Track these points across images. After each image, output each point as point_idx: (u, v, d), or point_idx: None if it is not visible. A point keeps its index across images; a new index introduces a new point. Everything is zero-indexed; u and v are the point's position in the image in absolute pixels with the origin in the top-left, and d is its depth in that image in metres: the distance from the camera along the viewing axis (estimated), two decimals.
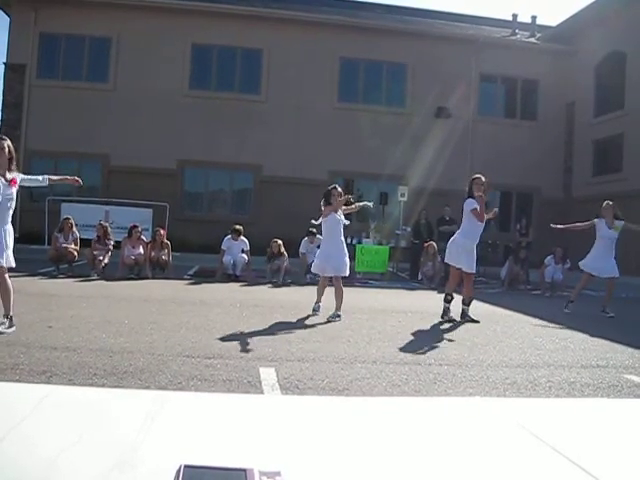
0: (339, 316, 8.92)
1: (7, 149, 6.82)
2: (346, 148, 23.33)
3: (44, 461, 1.17)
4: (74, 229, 14.29)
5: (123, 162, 22.64)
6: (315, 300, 9.47)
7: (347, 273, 9.47)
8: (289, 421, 1.53)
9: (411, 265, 17.98)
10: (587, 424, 1.67)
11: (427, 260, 15.91)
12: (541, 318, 10.00)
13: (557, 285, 15.08)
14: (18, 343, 6.07)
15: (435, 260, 15.75)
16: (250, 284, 13.91)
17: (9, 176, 6.79)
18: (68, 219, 14.44)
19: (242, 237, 14.91)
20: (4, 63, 23.54)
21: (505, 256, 18.33)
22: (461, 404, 1.92)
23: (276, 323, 8.37)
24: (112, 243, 14.30)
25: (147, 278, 13.81)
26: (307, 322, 8.54)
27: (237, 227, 15.00)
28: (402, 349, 6.85)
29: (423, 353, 6.70)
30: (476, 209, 9.38)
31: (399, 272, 18.72)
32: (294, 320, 8.70)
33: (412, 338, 7.67)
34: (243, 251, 14.80)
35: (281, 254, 14.81)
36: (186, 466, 1.06)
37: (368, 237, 19.28)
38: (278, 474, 1.07)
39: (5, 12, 23.52)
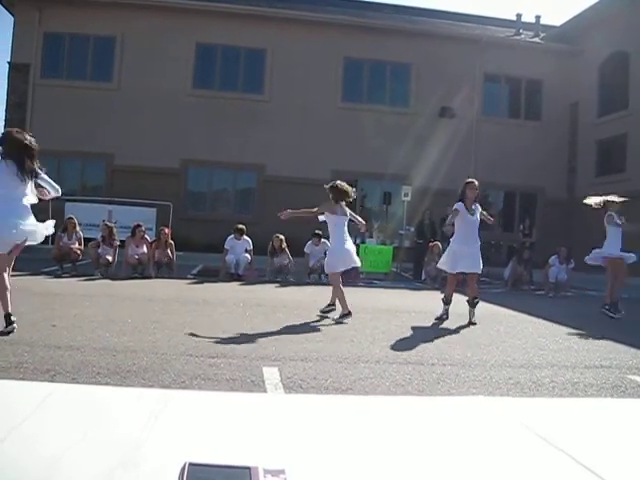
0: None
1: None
2: (350, 148, 23.33)
3: (48, 459, 1.17)
4: (77, 229, 14.31)
5: (127, 161, 22.67)
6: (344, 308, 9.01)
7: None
8: (293, 420, 1.53)
9: (415, 265, 17.97)
10: (591, 424, 1.67)
11: (431, 260, 15.89)
12: (544, 318, 9.99)
13: (561, 285, 15.05)
14: (22, 342, 6.08)
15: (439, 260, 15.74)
16: (253, 283, 13.92)
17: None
18: (71, 219, 14.45)
19: (245, 236, 14.93)
20: (8, 62, 23.58)
21: (508, 256, 18.32)
22: (464, 403, 1.92)
23: (279, 323, 8.37)
24: (117, 243, 14.31)
25: (150, 277, 13.82)
26: (310, 322, 8.54)
27: (240, 226, 15.01)
28: (405, 349, 6.85)
29: (426, 353, 6.70)
30: (456, 209, 9.36)
31: (403, 272, 18.72)
32: (297, 320, 8.70)
33: (415, 338, 7.67)
34: (246, 250, 14.81)
35: (282, 250, 14.82)
36: (191, 464, 1.06)
37: (372, 237, 19.28)
38: (282, 472, 1.07)
39: (9, 11, 23.55)
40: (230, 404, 1.70)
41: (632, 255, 10.95)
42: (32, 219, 6.61)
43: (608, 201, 11.06)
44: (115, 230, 14.56)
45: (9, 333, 6.41)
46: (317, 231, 14.36)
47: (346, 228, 9.35)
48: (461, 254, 9.39)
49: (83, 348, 5.98)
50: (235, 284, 13.70)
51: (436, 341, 7.55)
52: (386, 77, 25.16)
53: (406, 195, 19.96)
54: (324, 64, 23.97)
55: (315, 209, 9.29)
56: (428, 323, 9.12)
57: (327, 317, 8.83)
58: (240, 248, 14.78)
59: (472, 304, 9.36)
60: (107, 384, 4.64)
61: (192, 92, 23.75)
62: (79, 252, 14.02)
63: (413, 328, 8.50)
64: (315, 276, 15.15)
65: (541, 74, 25.38)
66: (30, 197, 6.65)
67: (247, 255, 14.77)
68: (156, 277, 13.93)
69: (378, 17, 25.14)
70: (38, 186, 6.76)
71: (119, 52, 23.59)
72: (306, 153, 23.27)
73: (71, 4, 22.62)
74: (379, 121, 23.67)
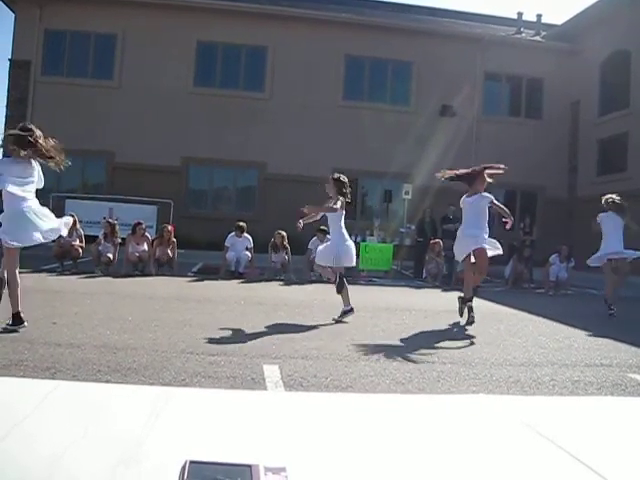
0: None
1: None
2: (351, 146, 23.33)
3: (49, 456, 1.17)
4: (78, 226, 14.30)
5: (127, 159, 22.67)
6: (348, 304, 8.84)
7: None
8: (293, 417, 1.53)
9: (415, 263, 17.97)
10: (591, 422, 1.67)
11: (432, 258, 15.89)
12: (545, 317, 9.99)
13: (561, 284, 15.06)
14: (22, 339, 6.09)
15: (440, 258, 15.74)
16: (254, 281, 13.92)
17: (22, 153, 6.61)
18: (72, 216, 14.43)
19: (246, 234, 14.92)
20: (9, 59, 23.59)
21: (509, 255, 18.31)
22: (464, 402, 1.92)
23: (280, 320, 8.38)
24: (119, 241, 14.30)
25: (151, 275, 13.82)
26: (311, 320, 8.53)
27: (241, 224, 15.01)
28: (406, 347, 6.85)
29: (427, 351, 6.70)
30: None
31: (403, 270, 18.71)
32: (298, 318, 8.70)
33: (416, 336, 7.67)
34: (247, 248, 14.81)
35: (284, 246, 14.82)
36: (191, 461, 1.06)
37: (372, 235, 19.27)
38: (283, 470, 1.07)
39: (10, 8, 23.55)
40: (231, 402, 1.71)
41: (636, 253, 10.95)
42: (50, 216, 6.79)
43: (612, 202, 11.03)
44: (117, 227, 14.56)
45: (15, 331, 6.44)
46: (322, 227, 14.29)
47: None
48: (463, 240, 9.08)
49: (84, 346, 5.99)
50: (236, 282, 13.71)
51: (436, 339, 7.55)
52: (387, 75, 25.16)
53: (407, 193, 19.95)
54: (325, 62, 23.97)
55: (333, 205, 8.86)
56: (429, 321, 9.11)
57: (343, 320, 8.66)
58: (241, 246, 14.78)
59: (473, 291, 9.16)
60: (108, 382, 4.65)
61: (193, 90, 23.74)
62: (80, 249, 14.02)
63: (413, 326, 8.50)
64: (317, 273, 15.11)
65: (542, 73, 25.37)
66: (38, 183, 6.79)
67: (248, 253, 14.77)
68: (157, 275, 13.93)
69: (379, 15, 25.14)
70: None
71: (120, 50, 23.59)
72: (307, 151, 23.25)
73: (72, 1, 22.63)
74: (380, 119, 23.66)
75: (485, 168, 9.39)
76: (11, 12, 23.64)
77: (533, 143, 24.65)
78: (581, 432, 1.54)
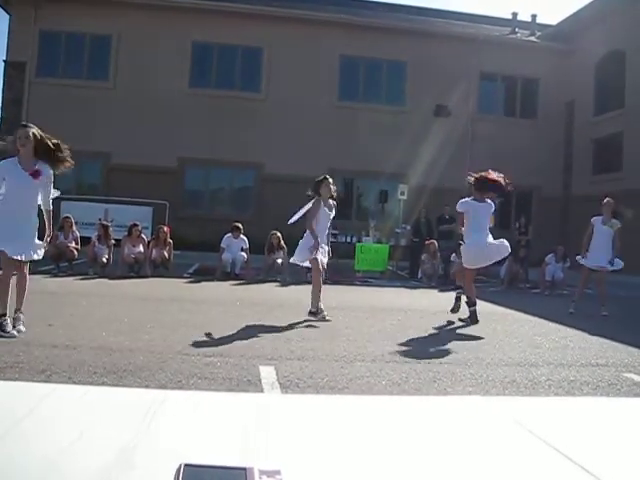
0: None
1: (32, 137, 6.51)
2: (346, 146, 23.34)
3: (44, 460, 1.17)
4: (74, 228, 14.28)
5: (123, 160, 22.64)
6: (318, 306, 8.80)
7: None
8: (289, 419, 1.53)
9: (411, 263, 17.99)
10: (587, 423, 1.68)
11: (428, 258, 15.90)
12: (541, 317, 10.01)
13: (557, 284, 15.08)
14: (18, 341, 6.08)
15: (435, 258, 15.76)
16: (250, 282, 13.92)
17: (35, 167, 6.48)
18: (68, 218, 14.42)
19: (242, 235, 14.92)
20: (4, 60, 23.56)
21: None
22: (460, 403, 1.92)
23: (276, 321, 8.38)
24: (113, 242, 14.28)
25: (147, 276, 13.81)
26: (307, 321, 8.53)
27: (237, 225, 15.00)
28: (402, 347, 6.86)
29: (423, 351, 6.71)
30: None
31: (399, 270, 18.72)
32: (294, 319, 8.70)
33: (412, 337, 7.68)
34: (242, 249, 14.80)
35: (280, 247, 14.81)
36: (186, 465, 1.06)
37: (368, 235, 19.27)
38: (278, 473, 1.07)
39: (5, 9, 23.49)
40: (226, 404, 1.70)
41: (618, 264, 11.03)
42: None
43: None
44: (111, 229, 14.53)
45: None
46: None
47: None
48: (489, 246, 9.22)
49: (79, 347, 5.98)
50: (231, 283, 13.70)
51: (432, 339, 7.56)
52: (382, 75, 25.16)
53: (402, 193, 19.96)
54: (320, 62, 23.97)
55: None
56: (424, 322, 9.12)
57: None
58: (236, 247, 14.77)
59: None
60: (103, 384, 4.65)
61: (189, 91, 23.73)
62: (75, 251, 14.00)
63: (409, 327, 8.51)
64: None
65: (537, 73, 25.41)
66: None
67: (243, 254, 14.76)
68: (152, 276, 13.92)
69: (374, 16, 25.14)
70: None
71: (115, 51, 23.57)
72: (303, 151, 23.23)
73: (67, 2, 22.57)
74: (375, 120, 23.69)
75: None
76: (6, 13, 23.59)
77: (528, 143, 24.68)
78: (577, 433, 1.54)
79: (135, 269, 14.13)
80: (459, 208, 9.27)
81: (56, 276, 13.21)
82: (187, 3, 23.25)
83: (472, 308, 8.96)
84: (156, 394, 1.79)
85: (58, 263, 13.84)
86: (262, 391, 4.78)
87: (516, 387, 5.35)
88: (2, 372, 4.89)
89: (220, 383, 4.98)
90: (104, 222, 14.99)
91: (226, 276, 14.49)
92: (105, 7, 22.70)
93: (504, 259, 16.31)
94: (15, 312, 6.64)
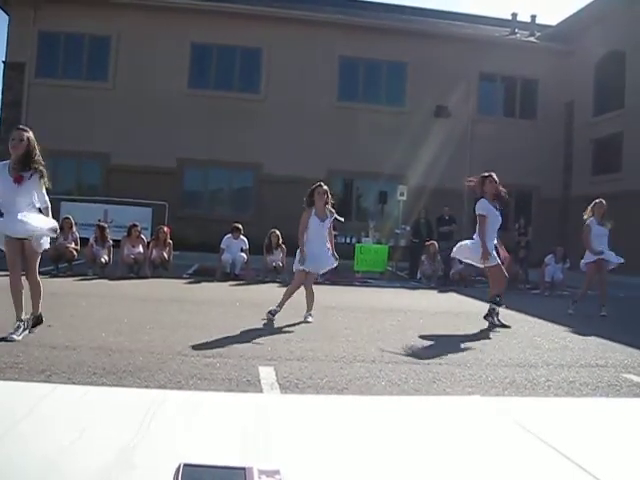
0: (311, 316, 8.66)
1: (26, 142, 6.33)
2: (346, 147, 23.35)
3: (44, 459, 1.17)
4: (74, 229, 14.26)
5: (123, 161, 22.65)
6: (279, 303, 8.73)
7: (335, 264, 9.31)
8: (288, 420, 1.53)
9: (410, 264, 17.98)
10: (586, 423, 1.68)
11: (427, 259, 15.89)
12: (540, 317, 10.00)
13: (557, 284, 15.08)
14: (17, 342, 6.07)
15: (435, 260, 15.75)
16: (249, 283, 13.91)
17: (19, 172, 6.26)
18: (68, 219, 14.41)
19: (242, 236, 14.91)
20: (3, 62, 23.56)
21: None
22: (460, 403, 1.93)
23: (275, 322, 8.37)
24: (110, 243, 14.24)
25: (146, 277, 13.80)
26: (306, 321, 8.52)
27: (237, 225, 15.00)
28: (401, 348, 6.85)
29: (422, 352, 6.70)
30: (483, 216, 9.07)
31: (398, 271, 18.72)
32: (293, 319, 8.69)
33: (411, 337, 7.67)
34: (242, 250, 14.80)
35: (279, 246, 14.79)
36: (185, 465, 1.06)
37: (367, 236, 19.27)
38: (277, 472, 1.07)
39: (4, 10, 23.52)
40: (226, 404, 1.70)
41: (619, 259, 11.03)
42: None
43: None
44: (107, 231, 14.50)
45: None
46: None
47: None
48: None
49: (79, 348, 5.98)
50: (231, 283, 13.69)
51: (431, 340, 7.55)
52: (381, 76, 25.18)
53: (402, 194, 19.96)
54: (319, 63, 23.98)
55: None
56: (424, 322, 9.12)
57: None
58: (236, 247, 14.77)
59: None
60: (103, 384, 4.64)
61: (188, 91, 23.74)
62: (75, 252, 13.99)
63: (409, 327, 8.50)
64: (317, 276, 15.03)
65: (536, 73, 25.42)
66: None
67: (243, 254, 14.76)
68: (152, 277, 13.91)
69: (373, 16, 25.14)
70: None
71: (114, 51, 23.58)
72: (302, 152, 23.24)
73: (66, 3, 22.59)
74: (375, 120, 23.70)
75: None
76: (5, 14, 23.60)
77: (528, 143, 24.69)
78: (577, 433, 1.55)
79: (135, 270, 14.12)
80: (483, 211, 9.09)
81: (55, 277, 13.19)
82: (186, 4, 23.26)
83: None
84: (156, 394, 1.79)
85: (57, 264, 13.83)
86: (261, 391, 4.78)
87: (515, 388, 5.35)
88: (2, 372, 4.89)
89: (219, 384, 4.97)
90: (101, 223, 14.97)
91: (226, 277, 14.48)
92: (104, 8, 22.71)
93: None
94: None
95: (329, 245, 8.96)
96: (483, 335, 8.14)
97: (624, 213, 18.69)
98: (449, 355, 6.63)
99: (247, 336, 7.12)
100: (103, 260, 13.86)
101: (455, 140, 23.71)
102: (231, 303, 10.25)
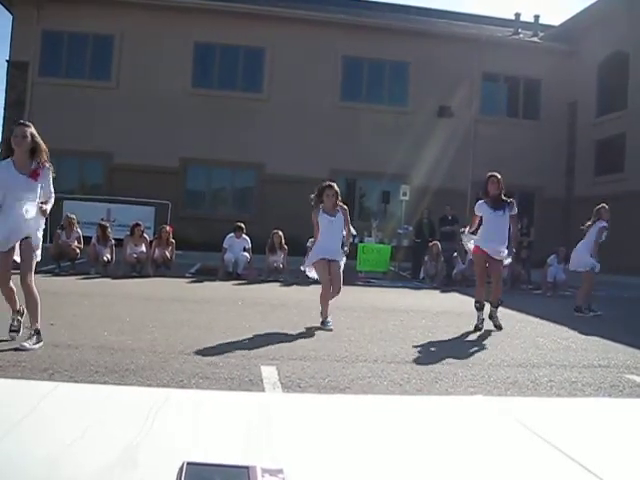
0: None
1: (30, 137, 6.09)
2: (348, 147, 23.34)
3: (46, 458, 1.17)
4: (76, 227, 14.27)
5: (126, 160, 22.66)
6: (322, 314, 8.30)
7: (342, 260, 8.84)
8: (291, 419, 1.53)
9: (413, 264, 17.97)
10: (588, 423, 1.67)
11: (431, 259, 15.88)
12: (543, 318, 9.99)
13: (559, 285, 15.06)
14: (20, 340, 6.07)
15: (438, 260, 15.74)
16: (252, 282, 13.91)
17: (32, 167, 6.06)
18: (70, 217, 14.42)
19: (244, 235, 14.91)
20: (7, 61, 23.58)
21: None
22: (462, 403, 1.92)
23: (278, 321, 8.38)
24: (112, 242, 14.24)
25: (149, 276, 13.80)
26: (309, 321, 8.52)
27: (240, 224, 14.99)
28: (403, 348, 6.85)
29: (424, 352, 6.70)
30: (475, 215, 8.99)
31: (401, 271, 18.71)
32: (296, 319, 8.70)
33: (414, 337, 7.67)
34: (245, 249, 14.79)
35: (281, 246, 14.79)
36: (189, 463, 1.06)
37: (370, 236, 19.26)
38: (280, 471, 1.07)
39: (8, 9, 23.54)
40: (228, 403, 1.70)
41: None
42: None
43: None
44: (109, 230, 14.49)
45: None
46: None
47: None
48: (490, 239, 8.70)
49: (81, 347, 5.98)
50: (234, 283, 13.70)
51: (434, 340, 7.55)
52: (384, 76, 25.17)
53: (404, 194, 19.94)
54: (323, 63, 23.97)
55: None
56: (426, 322, 9.11)
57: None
58: (239, 247, 14.77)
59: (495, 304, 8.80)
60: (105, 383, 4.65)
61: (191, 91, 23.75)
62: (78, 250, 14.00)
63: (411, 327, 8.50)
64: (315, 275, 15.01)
65: (540, 73, 25.39)
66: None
67: (246, 254, 14.76)
68: (154, 276, 13.92)
69: (376, 16, 25.13)
70: None
71: (118, 51, 23.59)
72: (305, 152, 23.24)
73: (70, 2, 22.60)
74: (377, 120, 23.70)
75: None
76: (9, 13, 23.63)
77: (531, 144, 24.67)
78: (579, 433, 1.54)
79: (137, 269, 14.12)
80: (475, 210, 9.04)
81: (58, 275, 13.21)
82: (190, 3, 23.26)
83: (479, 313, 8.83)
84: (159, 393, 1.79)
85: (60, 262, 13.84)
86: (264, 391, 4.78)
87: (518, 388, 5.34)
88: (4, 370, 4.90)
89: (222, 383, 4.98)
90: (102, 223, 14.97)
91: (228, 276, 14.48)
92: (107, 7, 22.71)
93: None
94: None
95: (342, 240, 8.69)
96: (485, 335, 8.13)
97: (627, 214, 18.68)
98: (451, 355, 6.63)
99: (249, 335, 7.12)
100: (105, 259, 13.87)
101: (458, 140, 23.70)
102: (233, 302, 10.25)
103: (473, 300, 8.93)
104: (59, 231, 14.19)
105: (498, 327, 8.63)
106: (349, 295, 8.67)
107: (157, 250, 14.32)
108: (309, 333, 7.61)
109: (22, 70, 23.17)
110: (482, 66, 24.90)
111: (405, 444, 1.37)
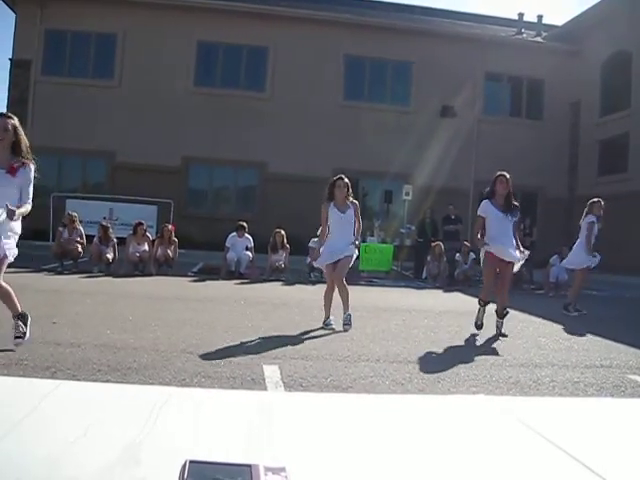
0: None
1: (12, 130, 5.67)
2: (351, 146, 23.34)
3: (48, 457, 1.17)
4: (77, 224, 14.26)
5: (128, 159, 22.69)
6: (325, 313, 8.26)
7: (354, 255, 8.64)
8: (293, 418, 1.53)
9: (415, 264, 17.96)
10: (590, 423, 1.67)
11: (433, 259, 15.86)
12: (545, 318, 9.99)
13: (562, 285, 15.03)
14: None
15: (441, 260, 15.72)
16: (254, 281, 13.91)
17: (11, 163, 5.55)
18: (71, 214, 14.43)
19: (246, 234, 14.90)
20: (10, 59, 23.62)
21: None
22: (464, 402, 1.92)
23: (280, 321, 8.38)
24: (114, 242, 14.24)
25: (151, 275, 13.81)
26: (311, 320, 8.52)
27: (242, 224, 14.98)
28: (406, 348, 6.85)
29: (426, 352, 6.70)
30: (479, 216, 8.58)
31: (403, 271, 18.70)
32: (298, 318, 8.70)
33: (416, 337, 7.67)
34: (247, 248, 14.79)
35: (283, 245, 14.79)
36: (191, 461, 1.06)
37: (373, 236, 19.24)
38: (283, 470, 1.07)
39: (11, 8, 23.58)
40: (230, 402, 1.70)
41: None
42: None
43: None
44: (110, 230, 14.49)
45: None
46: None
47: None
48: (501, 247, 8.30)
49: (84, 345, 5.99)
50: (236, 282, 13.70)
51: (436, 340, 7.55)
52: (387, 76, 25.18)
53: (407, 194, 19.94)
54: (326, 62, 23.98)
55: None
56: (429, 322, 9.11)
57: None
58: (241, 246, 14.76)
59: (500, 315, 8.35)
60: (108, 381, 4.65)
61: (194, 90, 23.77)
62: (80, 248, 14.00)
63: (413, 327, 8.50)
64: (317, 274, 15.03)
65: (543, 73, 25.37)
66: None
67: (248, 253, 14.75)
68: (157, 274, 13.92)
69: (380, 15, 25.14)
70: None
71: (120, 49, 23.62)
72: (307, 151, 23.26)
73: (72, 1, 22.64)
74: (380, 120, 23.68)
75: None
76: (12, 12, 23.66)
77: (533, 143, 24.65)
78: (581, 433, 1.54)
79: (140, 268, 14.13)
80: (480, 211, 8.84)
81: (61, 274, 13.22)
82: (192, 2, 23.29)
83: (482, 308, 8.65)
84: (161, 391, 1.79)
85: (62, 261, 13.84)
86: (266, 390, 4.78)
87: (520, 388, 5.34)
88: (6, 369, 4.90)
89: (224, 382, 4.98)
90: (104, 223, 14.97)
91: (231, 275, 14.48)
92: (110, 6, 22.74)
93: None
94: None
95: (352, 237, 8.50)
96: (487, 335, 8.12)
97: (630, 214, 18.67)
98: (453, 355, 6.63)
99: (252, 334, 7.11)
100: (109, 257, 13.87)
101: (461, 140, 23.68)
102: (236, 301, 10.25)
103: (476, 300, 8.84)
104: (61, 229, 14.20)
105: (502, 335, 8.13)
106: (351, 294, 8.64)
107: (159, 249, 14.32)
108: (311, 332, 7.61)
109: (25, 68, 23.21)
110: (485, 66, 24.90)
111: (407, 443, 1.37)
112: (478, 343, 7.50)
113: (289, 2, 24.17)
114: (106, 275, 13.36)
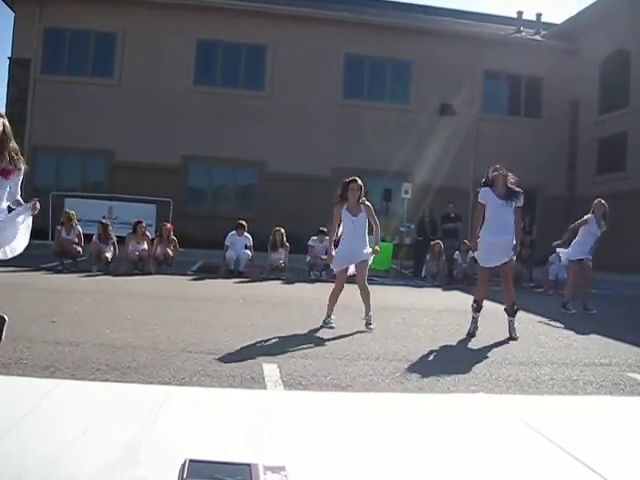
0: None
1: (1, 128, 5.39)
2: (350, 145, 23.32)
3: (48, 455, 1.17)
4: (74, 222, 14.22)
5: (127, 157, 22.66)
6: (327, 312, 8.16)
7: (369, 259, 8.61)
8: (293, 416, 1.53)
9: (415, 262, 17.95)
10: (590, 421, 1.67)
11: (432, 258, 15.86)
12: (544, 316, 9.99)
13: (561, 283, 15.02)
14: (22, 338, 6.07)
15: (440, 259, 15.72)
16: (253, 280, 13.91)
17: (2, 164, 5.38)
18: (68, 212, 14.41)
19: (246, 233, 14.89)
20: (9, 58, 23.59)
21: None
22: (464, 401, 1.92)
23: (279, 319, 8.37)
24: (114, 240, 14.22)
25: (151, 274, 13.80)
26: (310, 319, 8.52)
27: (241, 222, 14.97)
28: (405, 346, 6.85)
29: (426, 350, 6.69)
30: (479, 203, 8.24)
31: (403, 269, 18.70)
32: (297, 317, 8.70)
33: (415, 335, 7.67)
34: (246, 247, 14.78)
35: (283, 244, 14.79)
36: (191, 460, 1.06)
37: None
38: (282, 469, 1.07)
39: (10, 7, 23.55)
40: (230, 401, 1.70)
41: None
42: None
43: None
44: (110, 228, 14.47)
45: None
46: (322, 228, 14.26)
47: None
48: (494, 246, 8.03)
49: (83, 344, 5.98)
50: (235, 281, 13.69)
51: (435, 338, 7.54)
52: (387, 74, 25.16)
53: (406, 192, 19.95)
54: (325, 61, 23.96)
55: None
56: (428, 320, 9.11)
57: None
58: (240, 244, 14.75)
59: (511, 312, 8.05)
60: (107, 380, 4.65)
61: (193, 88, 23.75)
62: (79, 248, 13.99)
63: (413, 325, 8.50)
64: (316, 273, 15.05)
65: (541, 72, 25.36)
66: None
67: (247, 251, 14.74)
68: (156, 273, 13.91)
69: (379, 14, 25.12)
70: None
71: (120, 48, 23.59)
72: (307, 150, 23.24)
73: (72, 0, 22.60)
74: (379, 118, 23.66)
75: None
76: (11, 10, 23.63)
77: (532, 142, 24.62)
78: (580, 431, 1.54)
79: (139, 266, 14.12)
80: (479, 198, 8.59)
81: (60, 273, 13.21)
82: (192, 1, 23.27)
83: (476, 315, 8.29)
84: (160, 390, 1.79)
85: (62, 260, 13.83)
86: (265, 388, 4.78)
87: (519, 386, 5.34)
88: (6, 368, 4.89)
89: (223, 380, 4.97)
90: (103, 221, 14.95)
91: (230, 274, 14.47)
92: (110, 4, 22.71)
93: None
94: None
95: (366, 239, 8.43)
96: (487, 333, 8.11)
97: (628, 212, 18.66)
98: (453, 353, 6.63)
99: (251, 333, 7.11)
100: (108, 256, 13.86)
101: (460, 138, 23.66)
102: (235, 300, 10.24)
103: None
104: (59, 227, 14.19)
105: (512, 339, 7.75)
106: (350, 293, 8.64)
107: (159, 248, 14.32)
108: (311, 331, 7.61)
109: (24, 67, 23.18)
110: (484, 64, 24.88)
111: (407, 442, 1.37)
112: (477, 341, 7.50)
113: (288, 0, 24.15)
114: (105, 274, 13.34)
